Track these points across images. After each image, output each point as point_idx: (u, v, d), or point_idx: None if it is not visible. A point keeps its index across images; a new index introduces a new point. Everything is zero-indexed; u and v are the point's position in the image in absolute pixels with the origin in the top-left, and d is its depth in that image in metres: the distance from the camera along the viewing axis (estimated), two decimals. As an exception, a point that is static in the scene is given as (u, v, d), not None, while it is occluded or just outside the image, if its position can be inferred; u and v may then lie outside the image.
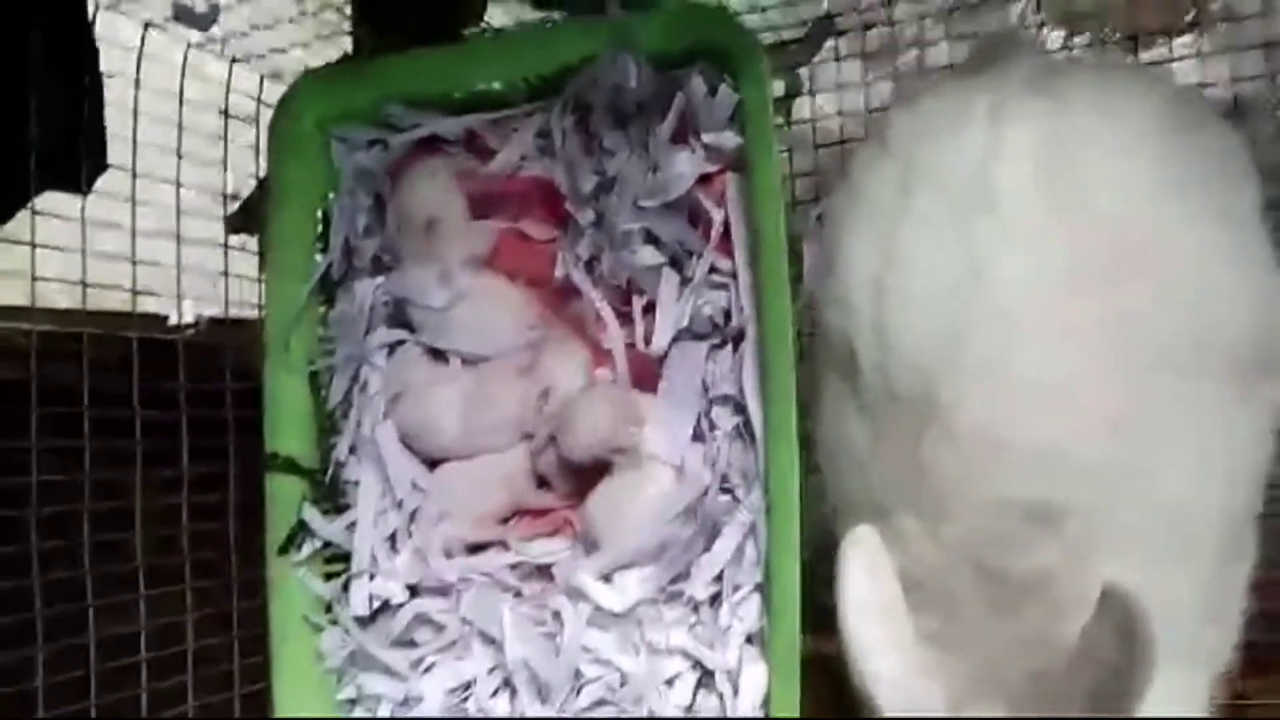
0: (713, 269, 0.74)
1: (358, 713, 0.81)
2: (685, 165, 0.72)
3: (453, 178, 0.82)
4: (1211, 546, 0.56)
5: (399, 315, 0.84)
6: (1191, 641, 0.57)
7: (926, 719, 0.53)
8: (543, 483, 0.81)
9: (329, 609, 0.82)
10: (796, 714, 0.65)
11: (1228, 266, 0.55)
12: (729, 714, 0.69)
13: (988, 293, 0.54)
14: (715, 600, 0.71)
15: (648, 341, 0.75)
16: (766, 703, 0.68)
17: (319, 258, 0.85)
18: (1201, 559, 0.56)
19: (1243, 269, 0.56)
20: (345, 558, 0.82)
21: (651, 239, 0.75)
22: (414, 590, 0.81)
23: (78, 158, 0.83)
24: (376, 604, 0.80)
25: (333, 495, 0.84)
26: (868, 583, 0.57)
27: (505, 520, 0.82)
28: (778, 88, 0.87)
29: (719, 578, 0.71)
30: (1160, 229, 0.54)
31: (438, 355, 0.83)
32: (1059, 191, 0.54)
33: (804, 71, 0.88)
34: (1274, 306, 0.56)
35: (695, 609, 0.72)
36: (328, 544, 0.83)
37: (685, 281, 0.74)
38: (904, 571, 0.58)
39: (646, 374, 0.76)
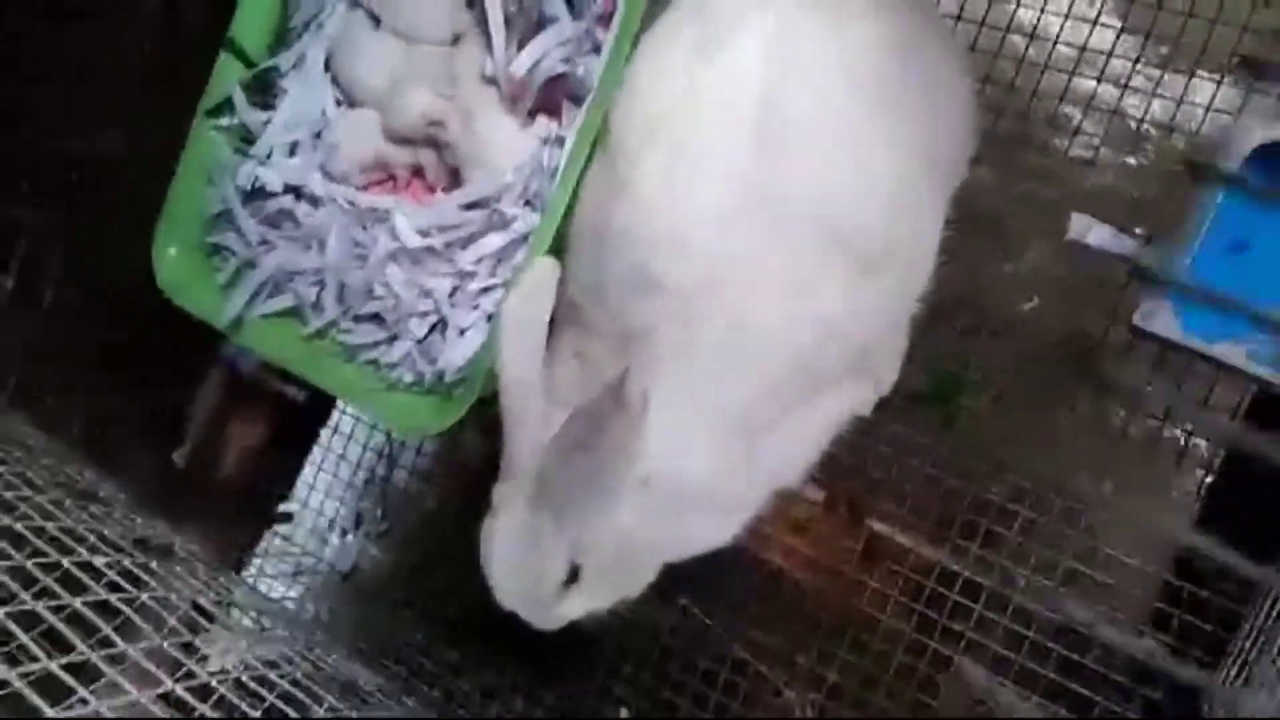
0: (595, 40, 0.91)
1: (215, 259, 1.04)
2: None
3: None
4: (770, 378, 0.74)
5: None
6: (738, 446, 0.76)
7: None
8: (418, 173, 1.03)
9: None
10: (481, 376, 0.87)
11: (865, 180, 0.72)
12: (443, 354, 0.91)
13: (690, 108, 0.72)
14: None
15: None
16: (468, 367, 0.91)
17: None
18: (759, 382, 0.74)
19: (876, 184, 0.72)
20: (253, 142, 1.03)
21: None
22: (293, 191, 1.03)
23: None
24: (257, 184, 1.02)
25: (263, 93, 1.04)
26: (527, 304, 0.76)
27: (381, 183, 1.04)
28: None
29: (482, 261, 0.92)
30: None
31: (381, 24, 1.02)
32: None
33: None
34: (898, 219, 0.73)
35: (461, 277, 0.93)
36: (245, 128, 1.03)
37: (564, 44, 0.92)
38: (571, 295, 0.78)
39: (522, 94, 0.95)
